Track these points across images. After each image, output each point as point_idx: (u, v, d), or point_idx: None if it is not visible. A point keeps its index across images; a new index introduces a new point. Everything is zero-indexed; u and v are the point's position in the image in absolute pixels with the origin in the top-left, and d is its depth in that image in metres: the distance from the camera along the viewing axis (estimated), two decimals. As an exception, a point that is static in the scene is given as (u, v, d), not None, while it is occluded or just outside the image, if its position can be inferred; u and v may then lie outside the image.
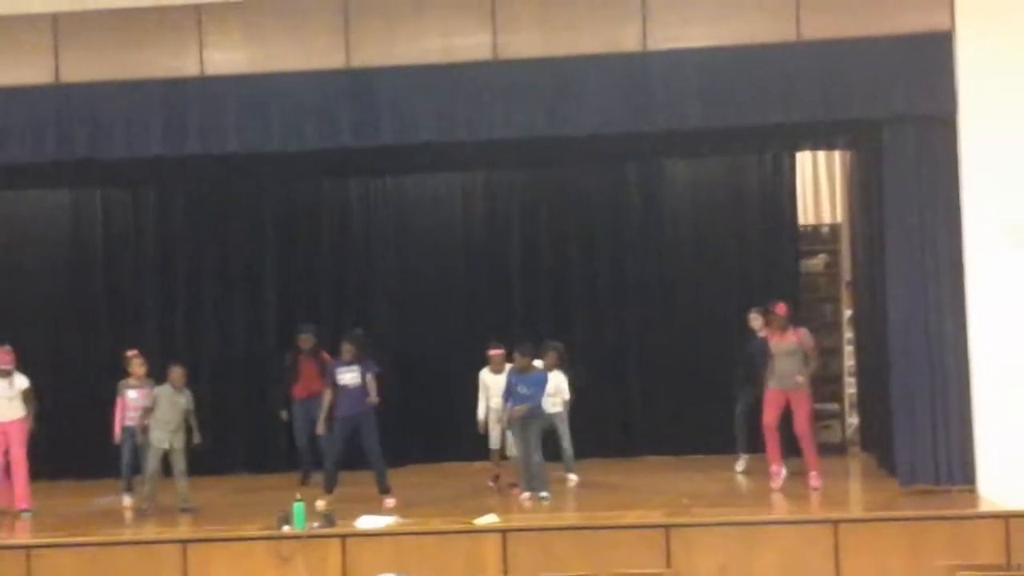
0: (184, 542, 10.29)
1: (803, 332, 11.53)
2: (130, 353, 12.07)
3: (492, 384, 12.07)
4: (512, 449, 11.92)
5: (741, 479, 12.35)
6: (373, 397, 11.54)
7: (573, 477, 12.37)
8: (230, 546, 10.27)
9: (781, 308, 11.47)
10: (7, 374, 11.76)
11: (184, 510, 11.50)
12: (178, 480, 11.65)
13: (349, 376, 11.58)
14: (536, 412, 11.50)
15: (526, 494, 11.40)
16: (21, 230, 14.60)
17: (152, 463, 11.63)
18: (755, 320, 12.37)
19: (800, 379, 11.33)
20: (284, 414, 13.29)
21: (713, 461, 12.96)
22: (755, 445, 12.28)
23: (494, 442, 12.26)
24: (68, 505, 12.18)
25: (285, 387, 13.24)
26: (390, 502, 11.33)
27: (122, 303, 14.51)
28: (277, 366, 13.49)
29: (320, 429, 11.90)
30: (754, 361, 12.14)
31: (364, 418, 11.56)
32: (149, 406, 11.66)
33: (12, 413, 11.71)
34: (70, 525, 11.07)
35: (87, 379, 13.92)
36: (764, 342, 11.84)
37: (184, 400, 11.71)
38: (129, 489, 11.93)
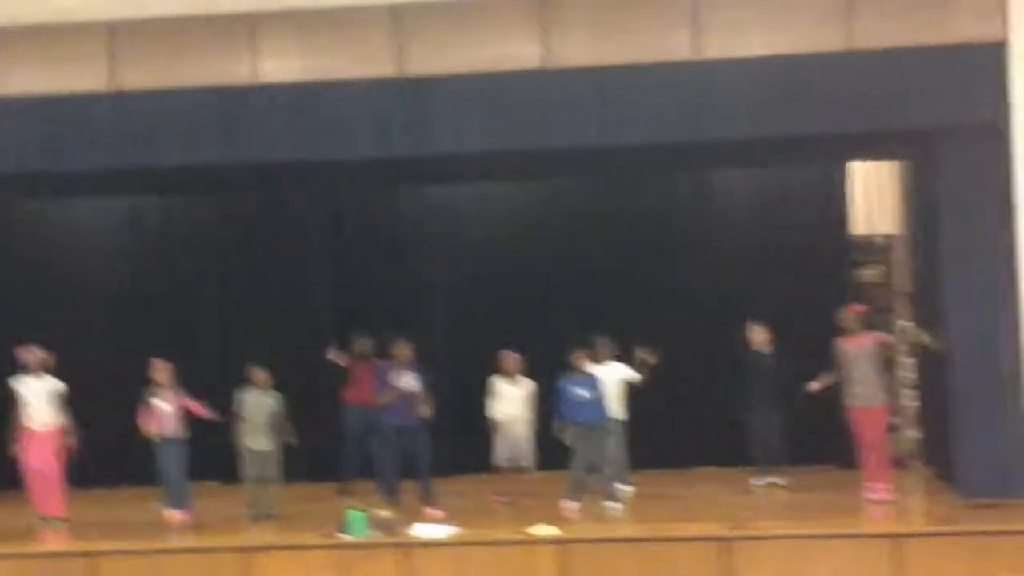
0: (244, 550, 10.39)
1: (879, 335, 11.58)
2: (154, 362, 11.94)
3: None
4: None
5: (796, 492, 12.24)
6: (425, 409, 11.54)
7: (627, 488, 12.28)
8: (290, 553, 10.39)
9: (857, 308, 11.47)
10: (37, 375, 11.70)
11: (267, 515, 11.57)
12: (267, 485, 11.68)
13: (405, 382, 11.57)
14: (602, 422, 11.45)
15: (571, 503, 11.32)
16: (78, 237, 14.80)
17: (251, 469, 11.65)
18: (757, 333, 12.49)
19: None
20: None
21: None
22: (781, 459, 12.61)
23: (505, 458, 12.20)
24: (126, 512, 12.31)
25: (334, 390, 13.26)
26: (437, 513, 11.26)
27: (178, 309, 14.62)
28: (328, 370, 13.51)
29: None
30: (767, 376, 12.45)
31: (418, 427, 11.55)
32: (237, 411, 11.69)
33: (46, 420, 11.66)
34: (129, 532, 11.20)
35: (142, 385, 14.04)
36: (763, 356, 12.44)
37: (272, 401, 11.72)
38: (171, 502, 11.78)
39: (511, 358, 12.18)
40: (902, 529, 10.20)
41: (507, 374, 12.15)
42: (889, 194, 14.42)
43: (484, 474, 12.80)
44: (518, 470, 12.17)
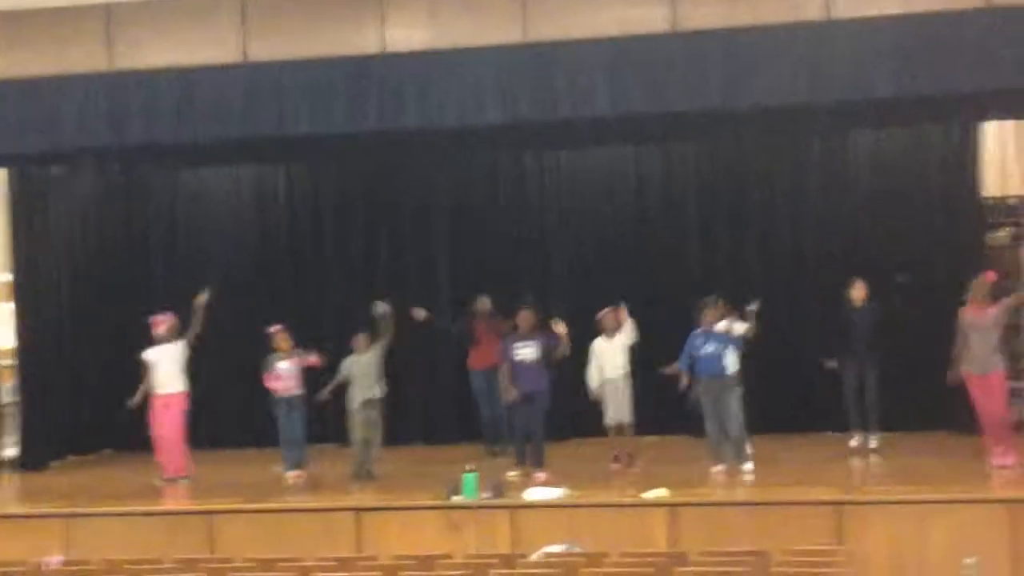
0: (358, 510, 10.54)
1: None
2: (273, 329, 12.16)
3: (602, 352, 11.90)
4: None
5: (909, 457, 12.04)
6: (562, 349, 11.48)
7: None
8: (402, 514, 10.50)
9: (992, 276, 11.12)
10: (168, 340, 12.03)
11: (368, 474, 11.70)
12: (371, 445, 11.81)
13: (527, 351, 11.57)
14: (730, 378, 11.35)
15: (720, 467, 11.25)
16: (206, 206, 15.10)
17: (357, 430, 11.80)
18: (857, 289, 12.30)
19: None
20: (421, 312, 13.26)
21: (887, 438, 12.65)
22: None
23: (611, 417, 11.93)
24: (248, 473, 12.59)
25: (463, 351, 13.44)
26: (541, 476, 11.29)
27: (304, 274, 14.88)
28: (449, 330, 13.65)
29: (511, 396, 11.68)
30: (853, 332, 12.26)
31: (540, 395, 11.60)
32: (342, 382, 11.87)
33: (176, 385, 12.05)
34: (249, 492, 11.41)
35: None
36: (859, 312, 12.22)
37: (372, 361, 11.87)
38: (297, 464, 12.01)
39: (607, 315, 12.02)
40: (1019, 495, 9.96)
41: (605, 332, 12.00)
42: (1022, 154, 14.07)
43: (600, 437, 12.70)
44: (619, 430, 12.01)
